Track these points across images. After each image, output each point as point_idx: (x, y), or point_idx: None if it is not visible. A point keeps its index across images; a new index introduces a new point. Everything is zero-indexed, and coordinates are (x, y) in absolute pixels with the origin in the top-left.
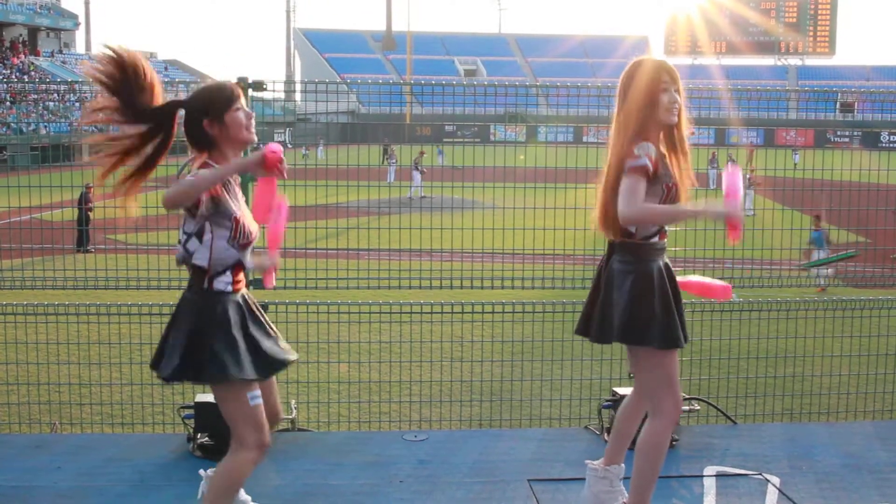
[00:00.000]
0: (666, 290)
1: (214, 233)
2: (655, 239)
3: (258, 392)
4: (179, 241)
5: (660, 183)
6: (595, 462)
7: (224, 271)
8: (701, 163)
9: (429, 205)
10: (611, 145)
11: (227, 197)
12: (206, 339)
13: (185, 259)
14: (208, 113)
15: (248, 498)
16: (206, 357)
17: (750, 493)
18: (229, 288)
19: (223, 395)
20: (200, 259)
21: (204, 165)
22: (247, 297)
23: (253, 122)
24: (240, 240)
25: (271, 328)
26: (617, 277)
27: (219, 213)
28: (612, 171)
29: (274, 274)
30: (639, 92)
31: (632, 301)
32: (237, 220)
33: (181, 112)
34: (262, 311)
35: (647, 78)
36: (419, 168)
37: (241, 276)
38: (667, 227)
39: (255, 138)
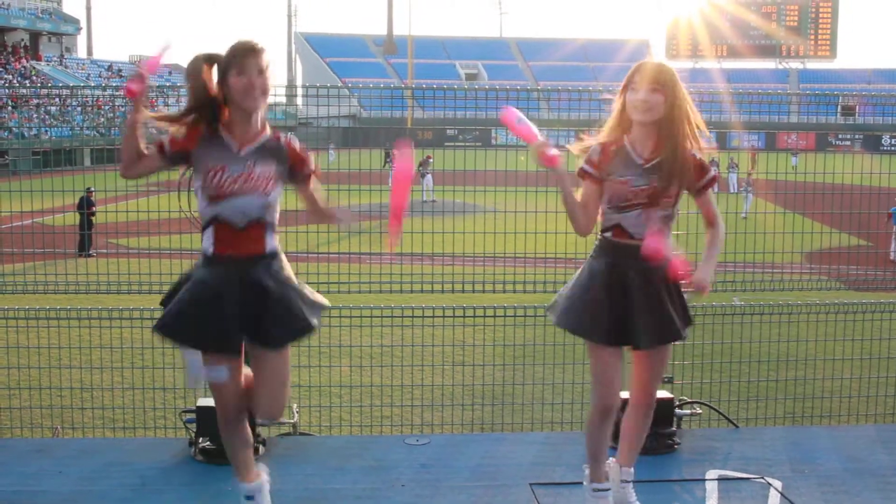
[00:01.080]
0: (602, 284)
1: (194, 184)
2: (608, 234)
3: (220, 367)
4: None
5: (605, 180)
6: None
7: (205, 227)
8: None
9: (430, 209)
10: None
11: (204, 149)
12: (177, 292)
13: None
14: (221, 71)
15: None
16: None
17: (752, 497)
18: (210, 250)
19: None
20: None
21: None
22: (244, 269)
23: (257, 90)
24: (209, 191)
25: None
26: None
27: (196, 166)
28: None
29: (397, 236)
30: (620, 93)
31: (571, 287)
32: (209, 171)
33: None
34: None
35: (626, 80)
36: (422, 172)
37: (233, 239)
38: (627, 227)
39: (258, 104)
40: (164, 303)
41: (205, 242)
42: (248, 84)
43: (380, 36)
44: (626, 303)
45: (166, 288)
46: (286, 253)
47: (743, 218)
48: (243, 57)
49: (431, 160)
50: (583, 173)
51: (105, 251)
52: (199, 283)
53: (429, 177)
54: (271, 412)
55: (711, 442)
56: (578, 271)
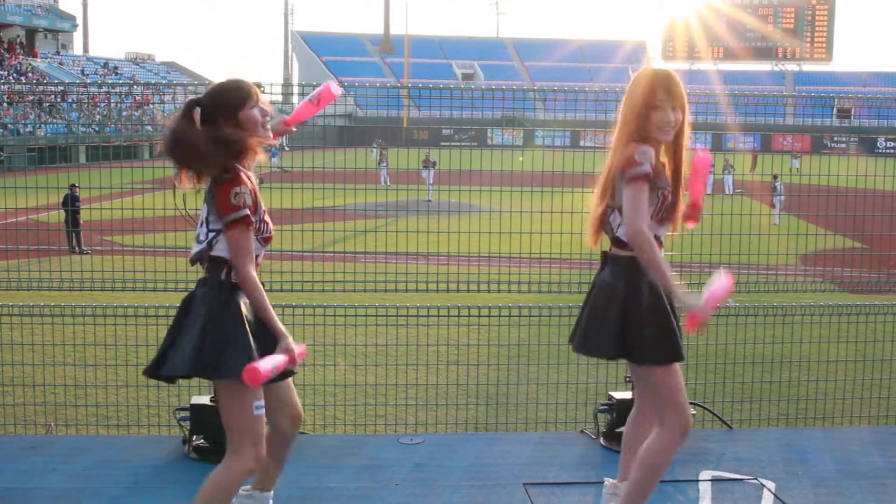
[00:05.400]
0: (659, 303)
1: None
2: None
3: (262, 402)
4: (199, 239)
5: (656, 190)
6: (612, 479)
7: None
8: None
9: (426, 208)
10: (612, 149)
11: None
12: (223, 332)
13: (203, 254)
14: (222, 111)
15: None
16: (222, 351)
17: (745, 498)
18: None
19: (229, 396)
20: (221, 250)
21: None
22: None
23: (269, 119)
24: (263, 233)
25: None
26: (608, 291)
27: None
28: (608, 175)
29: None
30: (634, 105)
31: (622, 317)
32: (263, 215)
33: (197, 110)
34: None
35: (641, 92)
36: (427, 165)
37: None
38: (662, 238)
39: (272, 136)
40: (154, 368)
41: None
42: (263, 113)
43: (376, 35)
44: (674, 313)
45: (160, 286)
46: (281, 252)
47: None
48: (249, 90)
49: (430, 155)
50: (647, 176)
51: (99, 248)
52: (247, 317)
53: (431, 172)
54: (300, 413)
55: (705, 443)
56: (624, 301)
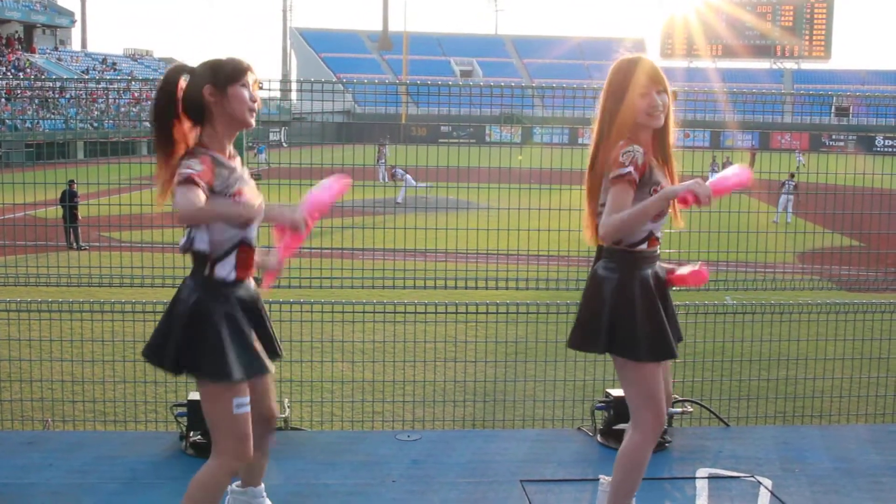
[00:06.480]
0: (650, 300)
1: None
2: (643, 246)
3: (247, 399)
4: (184, 233)
5: (647, 187)
6: (607, 477)
7: (226, 255)
8: (696, 166)
9: (423, 205)
10: (593, 143)
11: (221, 177)
12: (202, 331)
13: (188, 246)
14: (212, 79)
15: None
16: (201, 351)
17: (742, 496)
18: (232, 276)
19: (209, 395)
20: (201, 242)
21: (191, 153)
22: (253, 288)
23: (256, 107)
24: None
25: (270, 325)
26: (600, 285)
27: (214, 194)
28: (594, 174)
29: (276, 277)
30: (618, 94)
31: (612, 311)
32: (234, 197)
33: (185, 77)
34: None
35: (625, 81)
36: (396, 173)
37: (250, 260)
38: (658, 234)
39: (254, 124)
40: (150, 354)
41: (222, 270)
42: (252, 98)
43: (375, 32)
44: (666, 311)
45: (157, 281)
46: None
47: (788, 222)
48: (246, 69)
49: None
50: (633, 181)
51: (97, 244)
52: (231, 315)
53: (408, 176)
54: (274, 413)
55: (702, 440)
56: (614, 295)
